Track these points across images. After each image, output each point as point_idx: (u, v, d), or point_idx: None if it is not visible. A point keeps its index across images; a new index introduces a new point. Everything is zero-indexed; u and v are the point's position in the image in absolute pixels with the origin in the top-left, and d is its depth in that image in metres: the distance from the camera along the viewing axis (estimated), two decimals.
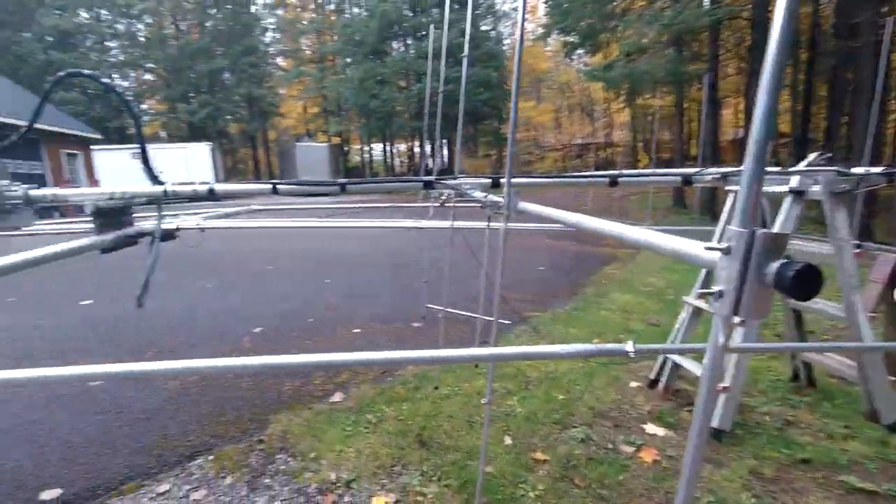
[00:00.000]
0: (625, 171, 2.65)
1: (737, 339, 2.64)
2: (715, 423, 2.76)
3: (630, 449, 2.70)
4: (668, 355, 3.34)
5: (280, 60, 45.48)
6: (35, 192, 1.76)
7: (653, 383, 3.46)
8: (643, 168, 26.84)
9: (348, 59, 36.90)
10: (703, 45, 17.46)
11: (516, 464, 2.54)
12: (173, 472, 2.50)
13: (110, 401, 3.25)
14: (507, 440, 2.78)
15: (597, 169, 19.54)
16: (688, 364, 3.16)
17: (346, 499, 2.28)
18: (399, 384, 3.49)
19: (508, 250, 1.94)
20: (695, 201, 16.33)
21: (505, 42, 41.31)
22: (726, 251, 0.81)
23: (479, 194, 2.30)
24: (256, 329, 4.74)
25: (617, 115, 36.31)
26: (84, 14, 35.99)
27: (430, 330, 4.71)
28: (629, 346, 1.19)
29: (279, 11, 43.85)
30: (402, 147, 45.45)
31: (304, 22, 43.18)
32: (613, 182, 2.47)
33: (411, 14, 34.02)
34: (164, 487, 2.37)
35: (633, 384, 3.53)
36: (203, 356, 4.10)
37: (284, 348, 4.25)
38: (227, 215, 3.36)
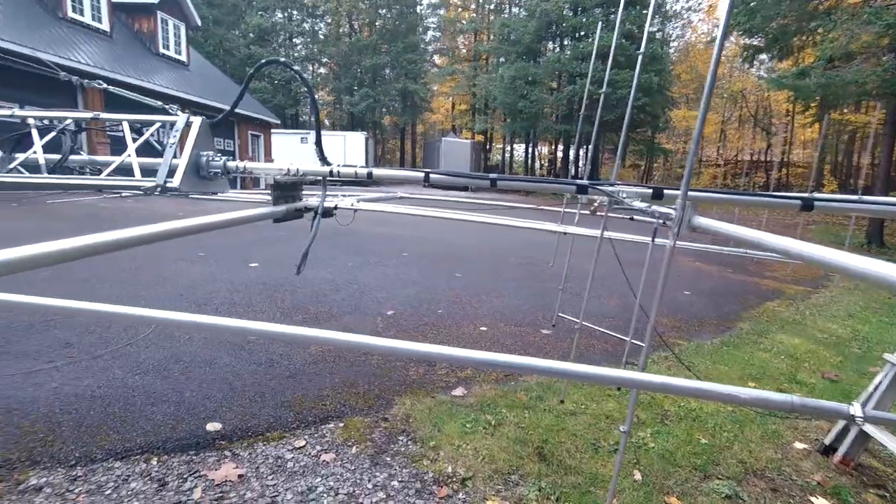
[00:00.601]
0: (820, 196, 2.21)
1: None
2: None
3: None
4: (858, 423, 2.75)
5: (436, 58, 47.63)
6: (231, 163, 1.99)
7: (827, 450, 2.88)
8: (830, 194, 22.97)
9: (501, 59, 37.27)
10: None
11: None
12: (308, 430, 2.72)
13: (264, 354, 3.65)
14: (637, 475, 2.54)
15: (772, 191, 17.14)
16: (886, 439, 2.54)
17: (461, 496, 2.26)
18: (521, 390, 3.40)
19: (654, 265, 1.72)
20: None
21: (671, 45, 38.37)
22: None
23: (639, 204, 2.10)
24: (389, 312, 4.98)
25: (801, 131, 31.64)
26: (279, 14, 41.37)
27: (559, 339, 4.53)
28: (856, 409, 0.95)
29: (441, 11, 45.87)
30: (545, 150, 44.79)
31: (464, 21, 44.60)
32: (807, 206, 2.09)
33: (572, 14, 33.16)
34: (300, 443, 2.59)
35: (799, 445, 2.99)
36: (342, 327, 4.44)
37: (413, 336, 4.41)
38: (376, 199, 3.56)
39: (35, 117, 2.08)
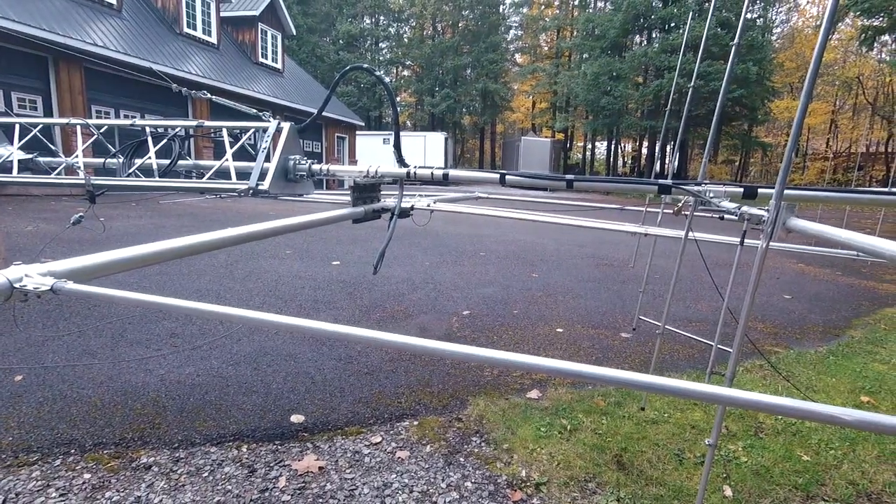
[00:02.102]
0: None
1: None
2: None
3: None
4: None
5: (518, 57, 47.21)
6: (315, 167, 2.11)
7: None
8: None
9: (585, 55, 36.21)
10: None
11: None
12: (384, 426, 2.81)
13: (343, 350, 3.82)
14: (728, 492, 2.36)
15: (890, 185, 15.25)
16: None
17: (535, 501, 2.23)
18: (599, 395, 3.28)
19: (743, 269, 1.58)
20: None
21: (774, 31, 35.22)
22: None
23: (728, 204, 1.95)
24: (465, 312, 5.02)
25: None
26: (367, 20, 43.10)
27: (639, 344, 4.32)
28: None
29: (525, 9, 45.40)
30: (629, 147, 42.90)
31: (547, 19, 43.83)
32: None
33: (661, 5, 31.47)
34: (376, 439, 2.67)
35: None
36: (417, 326, 4.54)
37: (488, 336, 4.40)
38: (453, 200, 3.60)
39: (151, 126, 2.33)
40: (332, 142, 23.61)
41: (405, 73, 45.87)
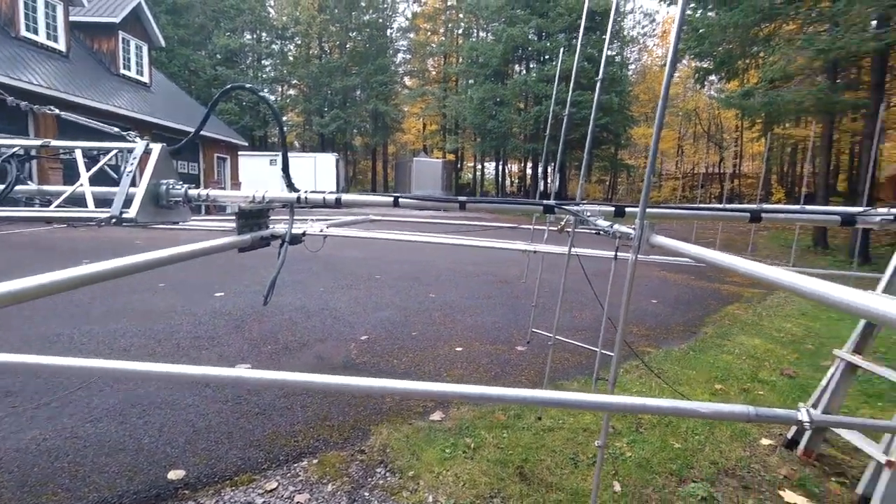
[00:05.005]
0: (767, 206, 2.32)
1: None
2: None
3: None
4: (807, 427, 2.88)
5: (407, 80, 48.13)
6: (192, 192, 1.92)
7: (791, 443, 3.02)
8: (777, 202, 24.10)
9: (470, 81, 37.96)
10: (864, 73, 15.28)
11: None
12: (280, 469, 2.59)
13: (230, 391, 3.49)
14: (617, 486, 2.53)
15: (724, 201, 17.88)
16: (844, 431, 2.68)
17: None
18: (500, 409, 3.36)
19: (618, 279, 1.75)
20: (853, 242, 14.20)
21: (629, 67, 39.94)
22: None
23: (602, 222, 2.14)
24: (363, 337, 4.89)
25: (749, 145, 33.27)
26: (248, 35, 41.16)
27: (534, 355, 4.52)
28: (802, 415, 0.97)
29: (411, 35, 46.57)
30: (515, 168, 45.54)
31: (433, 45, 45.35)
32: (755, 218, 2.19)
33: (536, 39, 34.22)
34: (272, 485, 2.46)
35: (765, 441, 3.09)
36: (314, 356, 4.32)
37: (388, 361, 4.32)
38: (347, 224, 3.51)
39: None
40: (212, 163, 21.98)
41: (291, 91, 44.41)
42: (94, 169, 1.88)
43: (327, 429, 3.04)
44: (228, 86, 1.99)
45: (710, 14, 15.91)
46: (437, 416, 3.25)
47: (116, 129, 2.21)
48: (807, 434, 2.93)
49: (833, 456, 2.94)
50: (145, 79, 19.35)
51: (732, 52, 16.09)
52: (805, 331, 5.96)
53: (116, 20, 17.67)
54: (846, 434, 2.76)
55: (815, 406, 2.95)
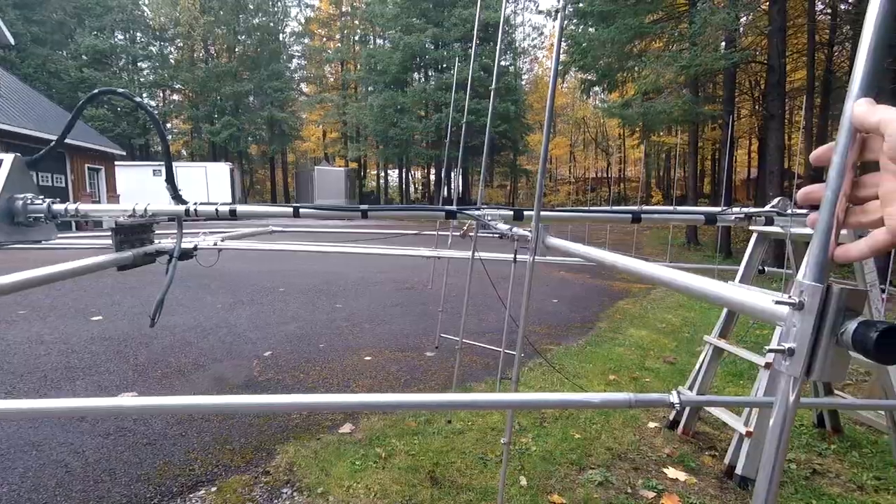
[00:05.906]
0: (647, 208, 2.60)
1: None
2: (740, 471, 2.68)
3: (651, 494, 2.57)
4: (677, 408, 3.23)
5: (304, 86, 46.69)
6: (57, 207, 1.72)
7: (673, 424, 3.38)
8: (656, 204, 26.81)
9: (370, 88, 37.76)
10: (718, 87, 17.59)
11: None
12: (173, 503, 2.40)
13: (112, 423, 3.17)
14: (523, 481, 2.66)
15: (611, 203, 19.56)
16: (714, 408, 3.06)
17: None
18: (410, 416, 3.38)
19: (519, 281, 1.87)
20: (717, 239, 16.19)
21: (523, 77, 42.17)
22: (798, 306, 0.74)
23: (502, 226, 2.26)
24: (266, 353, 4.67)
25: (631, 151, 36.65)
26: (120, 36, 37.45)
27: (443, 360, 4.60)
28: (674, 397, 1.12)
29: (306, 40, 45.27)
30: (418, 174, 46.00)
31: (329, 51, 44.45)
32: (636, 219, 2.43)
33: (433, 48, 34.91)
34: None
35: (652, 424, 3.42)
36: (211, 377, 4.04)
37: (294, 375, 4.17)
38: (244, 236, 3.35)
39: None
40: (82, 174, 19.65)
41: (175, 97, 41.15)
42: None
43: (228, 453, 2.87)
44: (96, 90, 1.81)
45: (590, 30, 17.34)
46: (346, 428, 3.20)
47: None
48: (685, 415, 3.28)
49: (707, 432, 3.31)
50: None
51: (612, 65, 17.65)
52: (682, 321, 6.64)
53: None
54: (715, 411, 3.15)
55: (690, 388, 3.34)
